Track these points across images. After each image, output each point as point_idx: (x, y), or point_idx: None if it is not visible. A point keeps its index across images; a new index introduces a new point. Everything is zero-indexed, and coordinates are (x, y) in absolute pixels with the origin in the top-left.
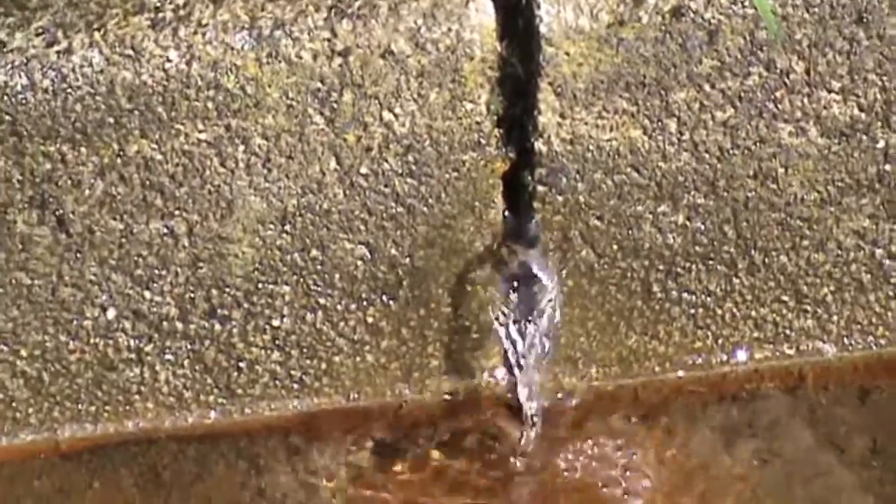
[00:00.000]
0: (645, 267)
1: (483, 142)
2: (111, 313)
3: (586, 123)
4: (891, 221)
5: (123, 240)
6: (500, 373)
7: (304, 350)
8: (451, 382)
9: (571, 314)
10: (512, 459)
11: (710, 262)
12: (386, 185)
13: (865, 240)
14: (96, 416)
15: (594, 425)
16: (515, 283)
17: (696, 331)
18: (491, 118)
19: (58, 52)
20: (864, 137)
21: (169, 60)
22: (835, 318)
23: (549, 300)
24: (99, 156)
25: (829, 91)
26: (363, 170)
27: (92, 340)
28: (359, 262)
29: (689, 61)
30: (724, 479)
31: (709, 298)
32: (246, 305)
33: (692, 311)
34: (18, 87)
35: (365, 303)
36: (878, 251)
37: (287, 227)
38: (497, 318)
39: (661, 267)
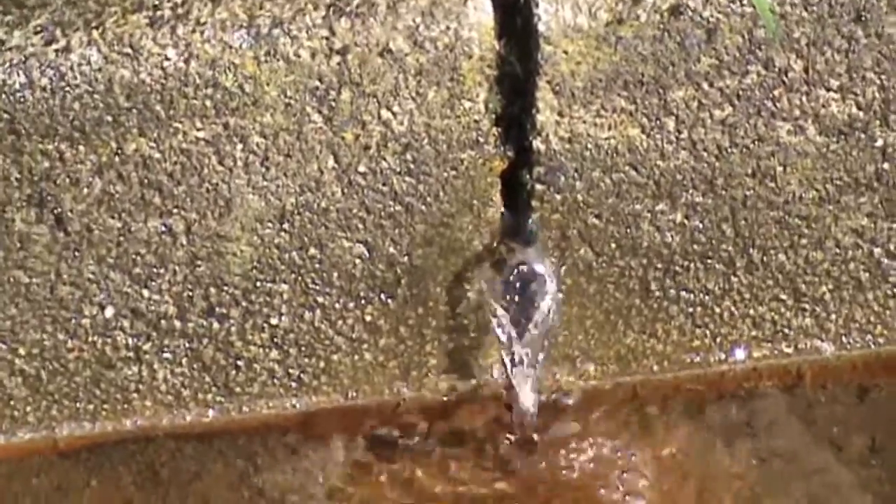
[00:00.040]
0: (643, 265)
1: (481, 140)
2: (109, 312)
3: (584, 122)
4: (889, 220)
5: (122, 238)
6: (499, 371)
7: (303, 348)
8: (450, 381)
9: (570, 313)
10: (510, 458)
11: (709, 261)
12: (384, 184)
13: (864, 238)
14: (94, 415)
15: (592, 424)
16: (514, 282)
17: (694, 329)
18: (489, 116)
19: (56, 51)
20: (863, 136)
21: (167, 59)
22: (833, 316)
23: (548, 299)
24: (97, 154)
25: (828, 89)
26: (361, 168)
27: (90, 339)
28: (357, 261)
29: (687, 60)
30: (723, 477)
31: (707, 297)
32: (244, 304)
33: (690, 309)
34: (17, 86)
35: (363, 301)
36: (877, 250)
37: (285, 226)
38: (495, 317)
39: (659, 265)
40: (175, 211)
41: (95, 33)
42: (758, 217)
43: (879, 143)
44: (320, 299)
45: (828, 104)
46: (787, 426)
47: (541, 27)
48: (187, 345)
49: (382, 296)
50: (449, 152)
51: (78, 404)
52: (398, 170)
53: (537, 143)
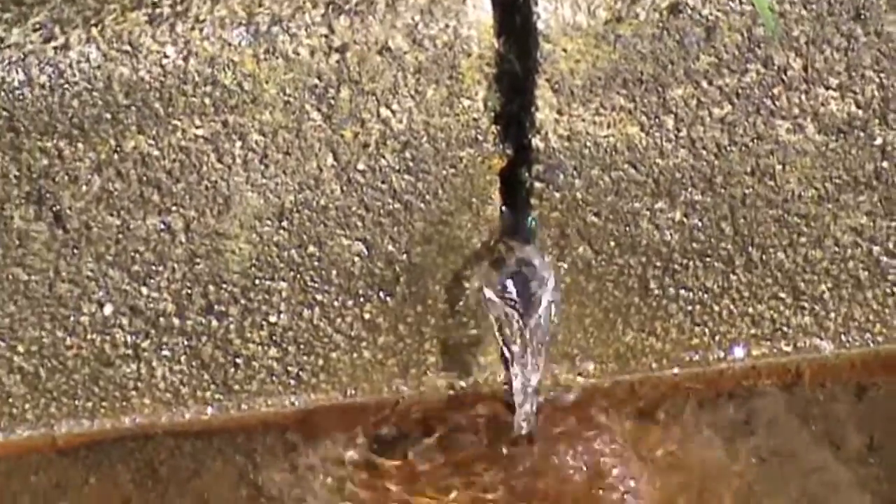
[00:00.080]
0: (642, 263)
1: (480, 138)
2: (108, 309)
3: (583, 120)
4: (888, 218)
5: (120, 236)
6: (497, 369)
7: (301, 346)
8: (449, 379)
9: (569, 311)
10: (509, 455)
11: (708, 259)
12: (383, 182)
13: (863, 237)
14: (93, 412)
15: (591, 422)
16: (512, 280)
17: (693, 327)
18: (488, 115)
19: (55, 48)
20: (862, 134)
21: (166, 56)
22: (832, 315)
23: (547, 297)
24: (96, 152)
25: (827, 88)
26: (360, 166)
27: (89, 336)
28: (356, 259)
29: (686, 58)
30: (721, 475)
31: (706, 295)
32: (243, 302)
33: (689, 307)
34: (15, 83)
35: (362, 299)
36: (876, 248)
37: (284, 224)
38: (494, 315)
39: (658, 263)
40: (174, 208)
41: (94, 31)
42: (757, 215)
43: (878, 141)
44: (319, 297)
45: (827, 102)
46: (786, 424)
47: (540, 25)
48: (186, 342)
49: (381, 294)
50: (448, 150)
51: (77, 402)
52: (397, 168)
53: (536, 141)
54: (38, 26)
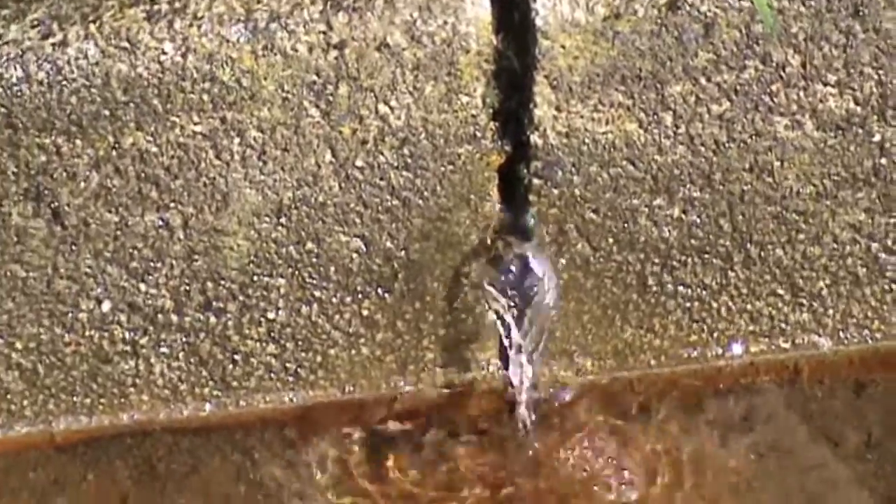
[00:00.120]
0: (640, 260)
1: (479, 135)
2: (106, 306)
3: (582, 116)
4: (887, 215)
5: (118, 232)
6: (496, 365)
7: (300, 343)
8: (447, 375)
9: (567, 307)
10: (507, 452)
11: (706, 256)
12: (381, 178)
13: (861, 233)
14: (91, 409)
15: (589, 418)
16: (511, 277)
17: (691, 324)
18: (487, 111)
19: (53, 45)
20: (860, 131)
21: (164, 53)
22: (830, 311)
23: (545, 293)
24: (94, 148)
25: (825, 84)
26: (358, 163)
27: (87, 333)
28: (354, 255)
29: (684, 54)
30: (719, 472)
31: (704, 292)
32: (241, 298)
33: (688, 304)
34: (14, 80)
35: (360, 296)
36: (874, 245)
37: (282, 220)
38: (492, 311)
39: (656, 260)
40: (172, 205)
41: (92, 27)
42: (755, 212)
43: (877, 138)
44: (317, 294)
45: (825, 99)
46: (784, 421)
47: (538, 22)
48: (184, 339)
49: (379, 290)
50: (446, 147)
51: (75, 398)
52: (395, 164)
53: (535, 138)
54: (36, 23)
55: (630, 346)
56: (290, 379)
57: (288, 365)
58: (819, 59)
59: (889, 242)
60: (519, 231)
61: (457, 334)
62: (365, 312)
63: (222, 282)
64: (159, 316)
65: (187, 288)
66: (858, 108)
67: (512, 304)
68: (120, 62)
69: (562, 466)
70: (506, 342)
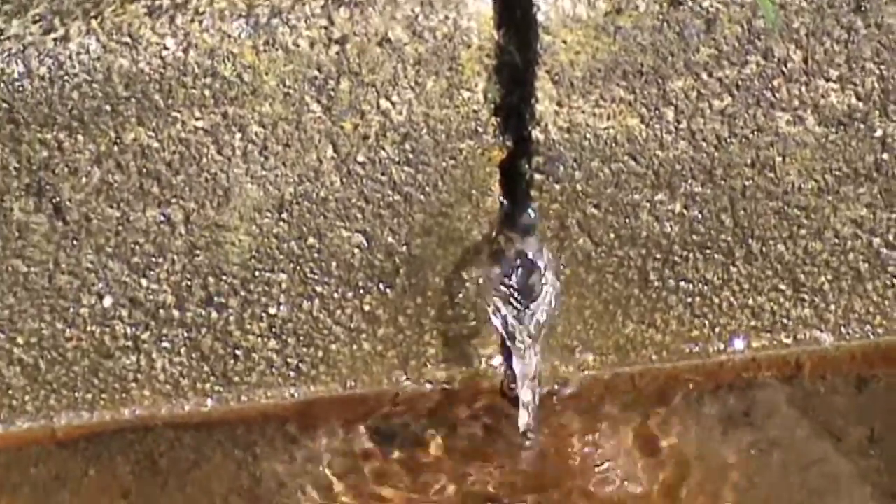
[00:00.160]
0: (642, 255)
1: (480, 130)
2: (108, 301)
3: (583, 112)
4: (888, 210)
5: (120, 227)
6: (497, 361)
7: (301, 338)
8: (448, 370)
9: (568, 303)
10: (509, 447)
11: (708, 251)
12: (383, 174)
13: (863, 229)
14: (93, 404)
15: (591, 414)
16: (512, 272)
17: (693, 319)
18: (488, 106)
19: (55, 40)
20: (862, 126)
21: (166, 48)
22: (832, 307)
23: (546, 288)
24: (96, 143)
25: (827, 80)
26: (360, 158)
27: (88, 328)
28: (356, 251)
29: (686, 50)
30: (721, 468)
31: (706, 287)
32: (242, 293)
33: (689, 299)
34: (15, 75)
35: (362, 291)
36: (876, 240)
37: (284, 215)
38: (494, 307)
39: (658, 255)
40: (173, 200)
41: (94, 22)
42: (757, 207)
43: (879, 133)
44: (319, 289)
45: (827, 94)
46: (786, 417)
47: (540, 17)
48: (186, 334)
49: (381, 285)
50: (448, 142)
51: (76, 394)
52: (397, 159)
53: (536, 133)
54: (37, 18)
55: (632, 341)
56: (292, 374)
57: (289, 360)
58: (821, 55)
59: (891, 237)
60: (520, 226)
61: (458, 329)
62: (366, 308)
63: (224, 277)
64: (161, 311)
65: (189, 283)
66: (860, 104)
67: (513, 299)
68: (121, 57)
69: (564, 460)
70: (507, 337)
